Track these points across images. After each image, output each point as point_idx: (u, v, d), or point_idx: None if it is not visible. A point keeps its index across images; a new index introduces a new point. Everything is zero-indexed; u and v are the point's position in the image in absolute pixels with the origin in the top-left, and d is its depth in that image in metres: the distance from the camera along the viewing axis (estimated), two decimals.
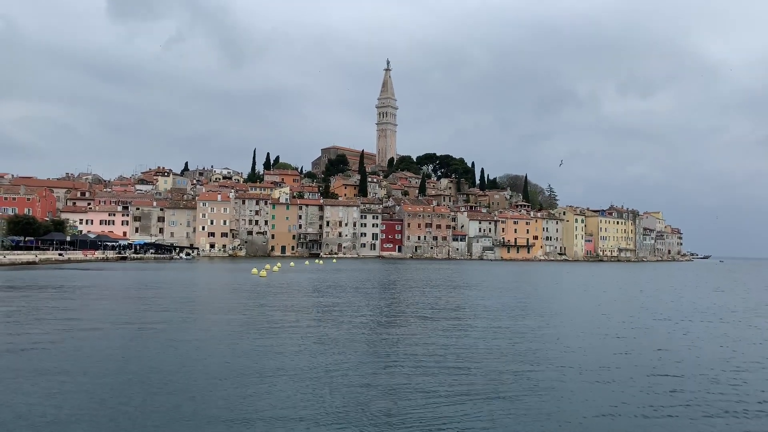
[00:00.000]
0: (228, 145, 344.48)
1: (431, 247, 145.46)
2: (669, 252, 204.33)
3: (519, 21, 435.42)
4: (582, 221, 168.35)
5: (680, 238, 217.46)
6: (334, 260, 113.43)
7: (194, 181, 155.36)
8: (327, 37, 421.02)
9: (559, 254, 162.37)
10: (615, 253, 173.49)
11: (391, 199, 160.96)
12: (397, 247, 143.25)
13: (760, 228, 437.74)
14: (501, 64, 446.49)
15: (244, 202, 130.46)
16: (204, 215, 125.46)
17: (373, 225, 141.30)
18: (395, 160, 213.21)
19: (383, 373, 14.79)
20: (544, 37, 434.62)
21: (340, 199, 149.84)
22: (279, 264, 77.01)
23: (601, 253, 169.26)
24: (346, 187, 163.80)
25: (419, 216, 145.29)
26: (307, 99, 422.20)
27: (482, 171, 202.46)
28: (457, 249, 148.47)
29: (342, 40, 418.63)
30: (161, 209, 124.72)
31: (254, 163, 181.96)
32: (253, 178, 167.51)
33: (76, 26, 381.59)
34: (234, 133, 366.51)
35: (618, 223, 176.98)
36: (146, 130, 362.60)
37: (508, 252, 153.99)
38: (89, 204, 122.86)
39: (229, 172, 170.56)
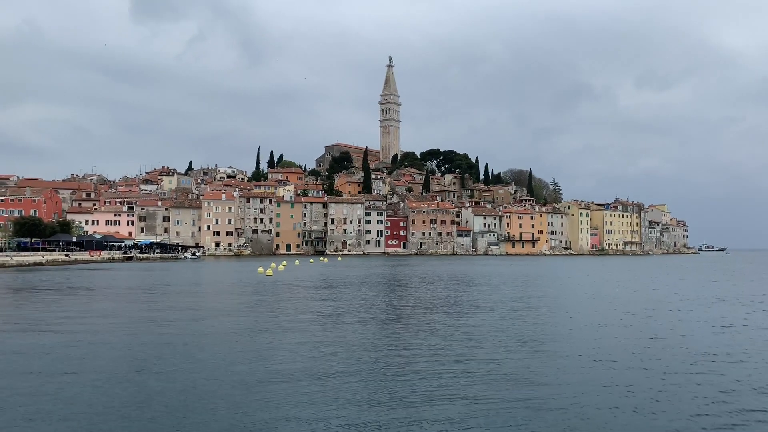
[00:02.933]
0: (234, 144, 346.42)
1: (436, 243, 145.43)
2: (675, 245, 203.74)
3: (536, 15, 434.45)
4: (587, 215, 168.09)
5: (686, 230, 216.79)
6: (339, 258, 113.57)
7: (198, 181, 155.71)
8: (342, 35, 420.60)
9: (564, 248, 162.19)
10: (620, 247, 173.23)
11: (395, 195, 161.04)
12: (401, 243, 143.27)
13: None
14: (518, 60, 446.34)
15: (248, 201, 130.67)
16: (209, 214, 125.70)
17: (377, 222, 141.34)
18: (399, 156, 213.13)
19: (396, 380, 14.82)
20: (561, 32, 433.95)
21: (344, 196, 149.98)
22: (285, 262, 77.18)
23: (606, 247, 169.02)
24: (350, 185, 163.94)
25: (424, 212, 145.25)
26: (319, 98, 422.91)
27: (486, 166, 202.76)
28: (462, 244, 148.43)
29: (358, 39, 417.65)
30: (166, 209, 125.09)
31: (258, 162, 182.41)
32: (258, 176, 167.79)
33: (99, 28, 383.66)
34: (241, 132, 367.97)
35: (623, 216, 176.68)
36: (159, 131, 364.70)
37: (513, 247, 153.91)
38: (94, 204, 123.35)
39: (233, 171, 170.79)
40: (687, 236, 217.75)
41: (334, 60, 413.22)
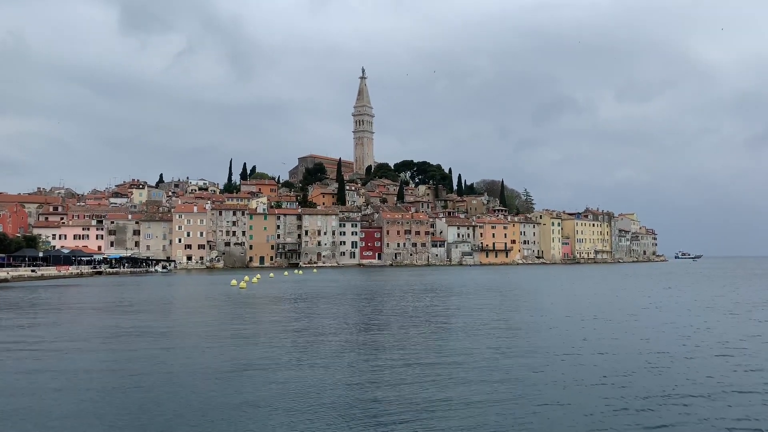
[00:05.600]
0: (212, 158, 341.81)
1: (411, 254, 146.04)
2: (644, 252, 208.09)
3: (520, 30, 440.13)
4: (558, 224, 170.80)
5: (654, 238, 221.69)
6: (314, 270, 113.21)
7: (170, 193, 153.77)
8: (330, 49, 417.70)
9: (537, 257, 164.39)
10: (591, 255, 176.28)
11: (369, 206, 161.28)
12: (376, 254, 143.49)
13: (743, 225, 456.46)
14: (503, 73, 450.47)
15: (220, 213, 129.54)
16: (180, 227, 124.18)
17: (352, 233, 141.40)
18: (373, 167, 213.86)
19: (372, 390, 15.06)
20: (545, 46, 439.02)
21: (318, 207, 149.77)
22: (258, 275, 76.64)
23: (578, 256, 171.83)
24: (324, 196, 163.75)
25: (398, 223, 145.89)
26: (304, 111, 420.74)
27: (459, 177, 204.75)
28: (437, 255, 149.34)
29: (344, 53, 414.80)
30: (136, 222, 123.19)
31: (230, 174, 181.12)
32: (230, 188, 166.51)
33: (86, 41, 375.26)
34: (221, 146, 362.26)
35: (594, 225, 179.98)
36: (140, 144, 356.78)
37: (487, 256, 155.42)
38: (62, 219, 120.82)
39: (205, 183, 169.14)
40: (656, 244, 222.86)
41: (321, 73, 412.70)
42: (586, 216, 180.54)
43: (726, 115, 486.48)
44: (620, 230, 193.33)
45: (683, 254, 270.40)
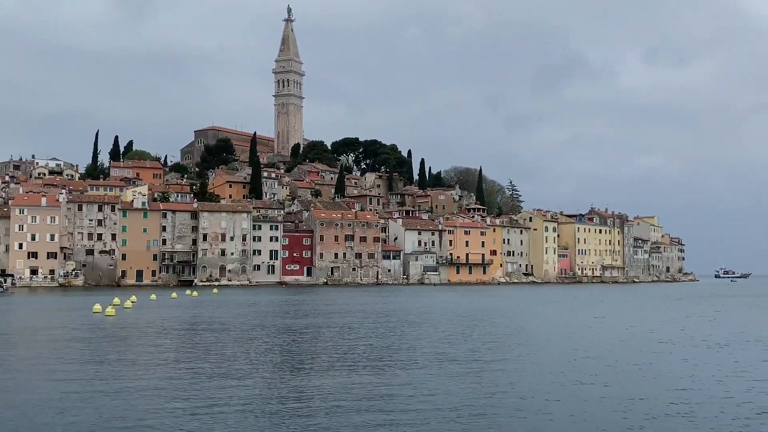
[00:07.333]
0: (77, 129, 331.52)
1: (353, 269, 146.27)
2: (668, 269, 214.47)
3: None
4: (554, 230, 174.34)
5: (681, 250, 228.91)
6: (215, 290, 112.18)
7: (6, 179, 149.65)
8: None
9: (525, 274, 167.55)
10: (597, 272, 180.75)
11: (296, 201, 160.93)
12: (305, 269, 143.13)
13: None
14: (495, 23, 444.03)
15: (80, 208, 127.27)
16: (21, 227, 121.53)
17: (271, 239, 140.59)
18: (302, 147, 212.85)
19: None
20: None
21: (222, 202, 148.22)
22: (133, 297, 75.25)
23: (579, 272, 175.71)
24: (231, 186, 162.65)
25: (336, 225, 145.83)
26: (209, 65, 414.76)
27: (423, 162, 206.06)
28: (389, 270, 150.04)
29: None
30: None
31: (96, 151, 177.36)
32: (95, 173, 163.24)
33: None
34: (94, 113, 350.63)
35: (601, 232, 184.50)
36: None
37: (458, 273, 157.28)
38: None
39: (59, 165, 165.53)
40: (683, 258, 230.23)
41: (239, 13, 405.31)
42: (591, 219, 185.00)
43: None
44: (636, 239, 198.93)
45: (726, 272, 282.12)
